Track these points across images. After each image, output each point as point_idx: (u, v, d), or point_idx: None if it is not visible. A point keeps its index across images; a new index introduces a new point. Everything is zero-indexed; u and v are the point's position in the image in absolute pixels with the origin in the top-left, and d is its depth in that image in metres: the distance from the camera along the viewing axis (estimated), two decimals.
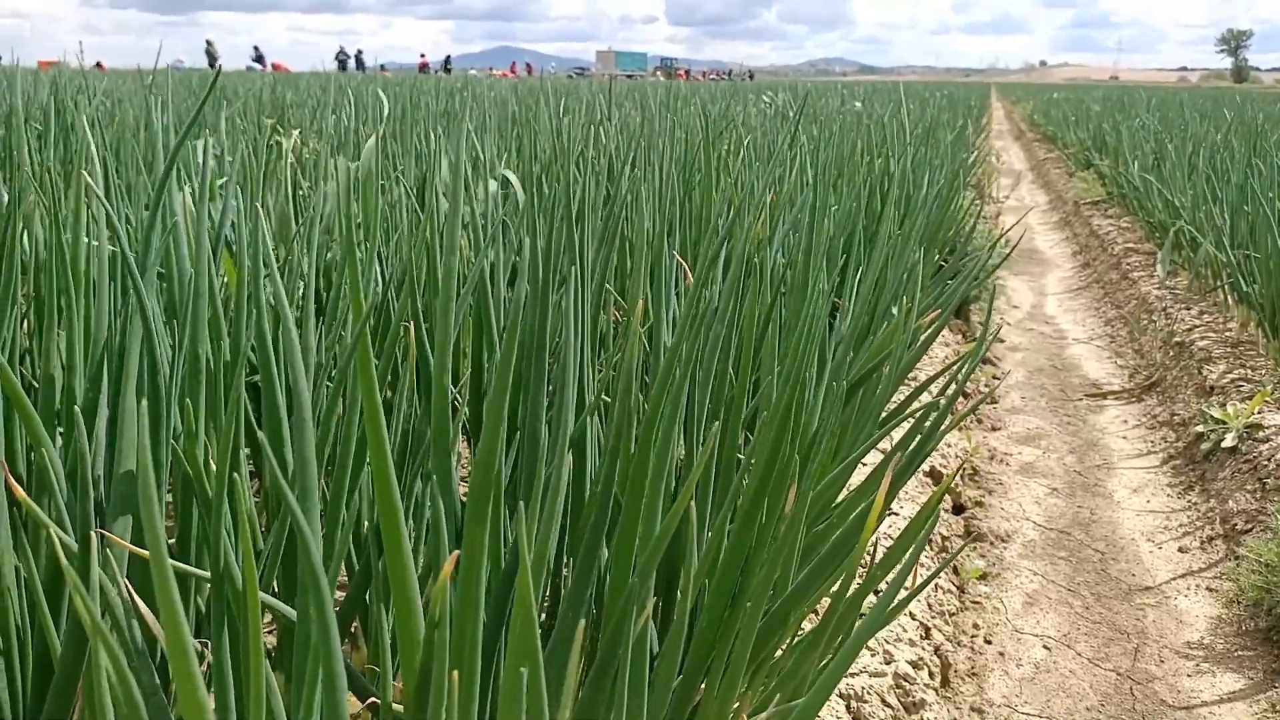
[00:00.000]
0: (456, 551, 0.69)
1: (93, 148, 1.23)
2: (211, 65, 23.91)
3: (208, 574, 0.79)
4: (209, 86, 1.02)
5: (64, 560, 0.63)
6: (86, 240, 1.06)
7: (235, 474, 0.80)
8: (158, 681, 0.74)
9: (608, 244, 1.53)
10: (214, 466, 0.89)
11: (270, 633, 1.43)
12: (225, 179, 1.91)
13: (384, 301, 1.51)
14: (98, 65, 17.67)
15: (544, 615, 1.28)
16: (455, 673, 0.65)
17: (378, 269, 1.71)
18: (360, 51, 41.78)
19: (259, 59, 37.04)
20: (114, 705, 0.67)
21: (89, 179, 0.94)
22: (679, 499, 0.80)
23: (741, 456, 1.31)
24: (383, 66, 44.57)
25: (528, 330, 1.11)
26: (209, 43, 32.12)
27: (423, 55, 45.70)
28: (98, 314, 0.99)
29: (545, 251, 1.16)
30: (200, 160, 1.88)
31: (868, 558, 1.80)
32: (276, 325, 1.36)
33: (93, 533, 0.75)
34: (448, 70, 36.26)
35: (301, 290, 1.51)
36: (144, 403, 0.49)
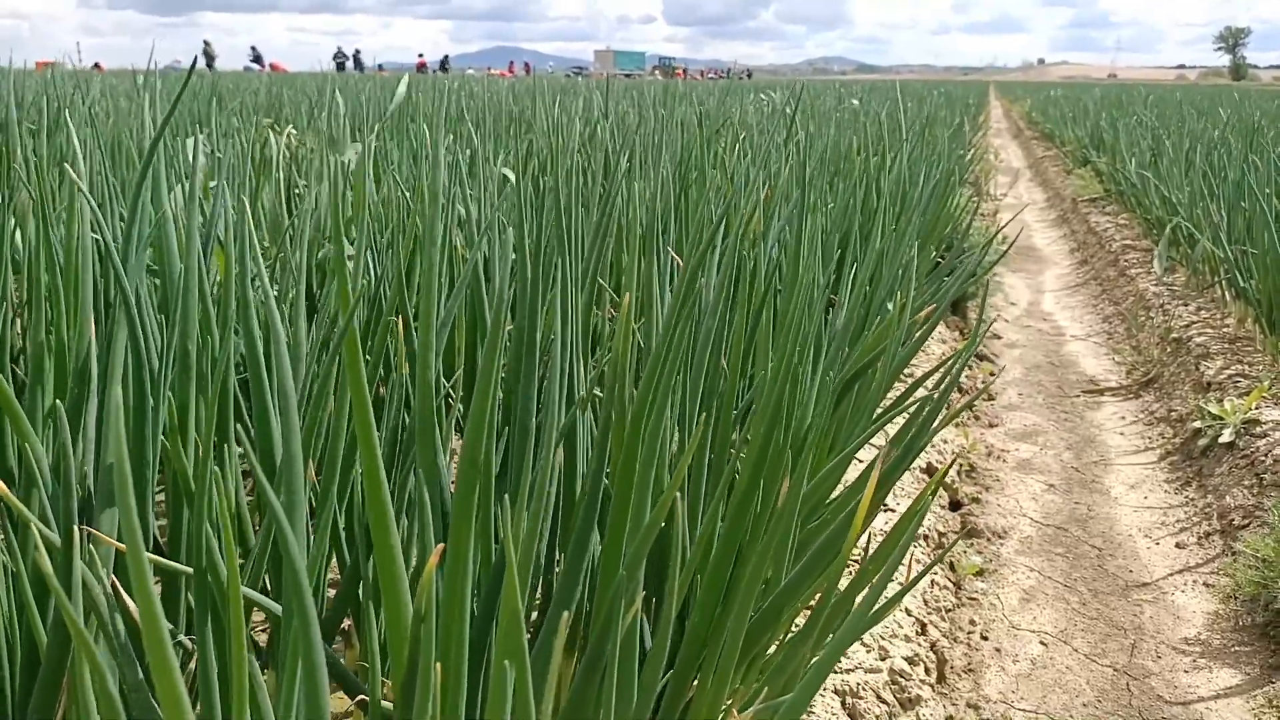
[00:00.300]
0: (441, 545, 0.68)
1: (76, 144, 1.23)
2: (209, 66, 23.91)
3: (190, 570, 0.79)
4: (184, 81, 1.01)
5: (44, 557, 0.63)
6: (75, 235, 1.06)
7: (221, 469, 0.80)
8: (142, 677, 0.73)
9: (601, 239, 1.52)
10: (198, 462, 0.89)
11: (264, 630, 1.43)
12: (217, 176, 1.91)
13: (375, 297, 1.50)
14: (96, 66, 17.67)
15: (535, 612, 1.28)
16: (440, 665, 0.64)
17: (370, 264, 1.70)
18: (358, 51, 41.73)
19: (257, 59, 37.00)
20: (96, 703, 0.66)
21: (73, 173, 0.94)
22: (668, 487, 0.79)
23: (735, 452, 1.30)
24: (380, 66, 44.54)
25: (518, 325, 1.11)
26: (206, 43, 32.08)
27: (420, 55, 45.70)
28: (83, 308, 0.99)
29: (536, 246, 1.15)
30: (192, 158, 1.87)
31: (863, 554, 1.79)
32: (266, 323, 1.35)
33: (75, 529, 0.74)
34: (445, 70, 36.24)
35: (294, 287, 1.51)
36: (118, 392, 0.49)
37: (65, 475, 0.81)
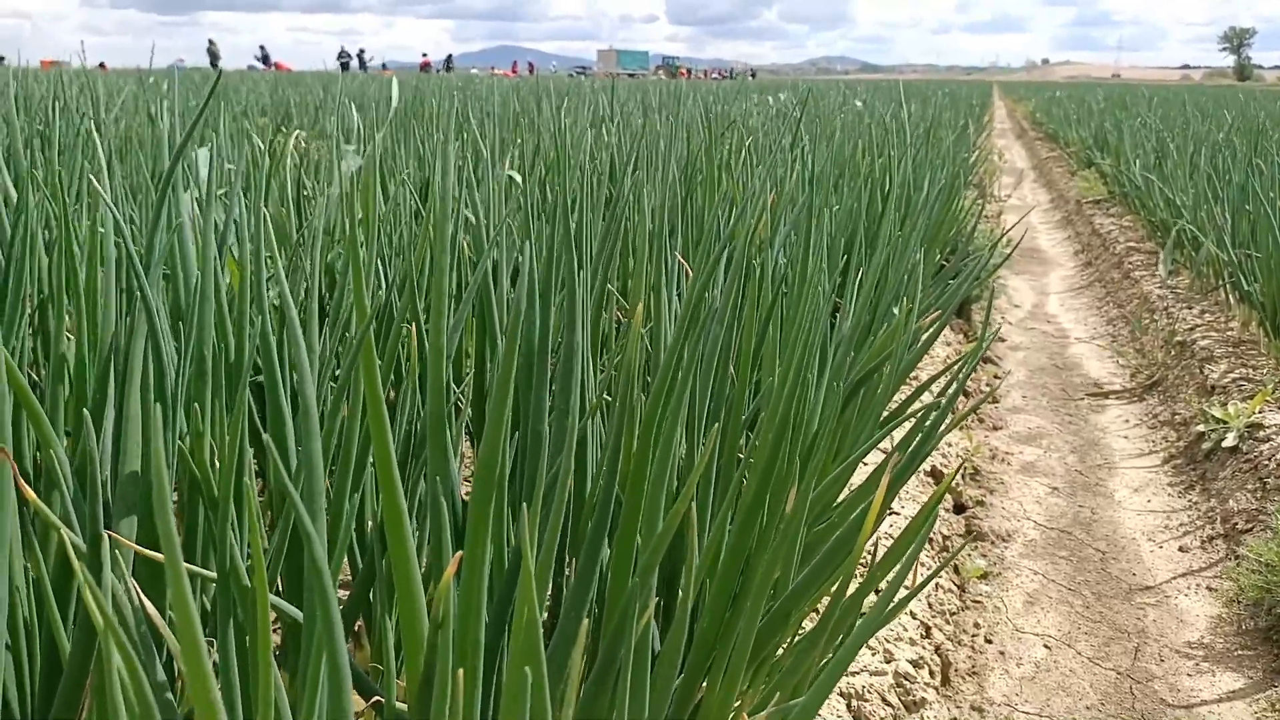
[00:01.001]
0: (460, 553, 0.69)
1: (100, 151, 1.24)
2: (213, 65, 24.01)
3: (214, 574, 0.80)
4: (209, 90, 1.03)
5: (74, 558, 0.64)
6: (92, 241, 1.07)
7: (239, 474, 0.81)
8: (164, 679, 0.75)
9: (609, 245, 1.53)
10: (220, 467, 0.90)
11: (274, 632, 1.44)
12: (229, 182, 1.92)
13: (386, 303, 1.52)
14: (100, 66, 17.70)
15: (546, 615, 1.29)
16: (460, 671, 0.66)
17: (380, 270, 1.72)
18: (362, 51, 41.79)
19: (264, 59, 37.09)
20: (125, 703, 0.68)
21: (95, 182, 0.95)
22: (680, 498, 0.80)
23: (743, 456, 1.32)
24: (384, 66, 44.63)
25: (529, 331, 1.12)
26: (211, 42, 32.17)
27: (425, 55, 45.76)
28: (104, 314, 1.00)
29: (546, 252, 1.17)
30: (204, 164, 1.89)
31: (869, 557, 1.81)
32: (281, 326, 1.37)
33: (103, 533, 0.76)
34: (449, 69, 36.29)
35: (304, 292, 1.52)
36: (155, 404, 0.50)
37: (91, 479, 0.82)
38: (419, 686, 0.78)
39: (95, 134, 1.41)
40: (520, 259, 1.12)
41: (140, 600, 0.83)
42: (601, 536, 0.93)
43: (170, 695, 0.77)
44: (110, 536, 0.89)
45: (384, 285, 1.65)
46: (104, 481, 0.96)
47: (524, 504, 0.82)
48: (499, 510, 0.80)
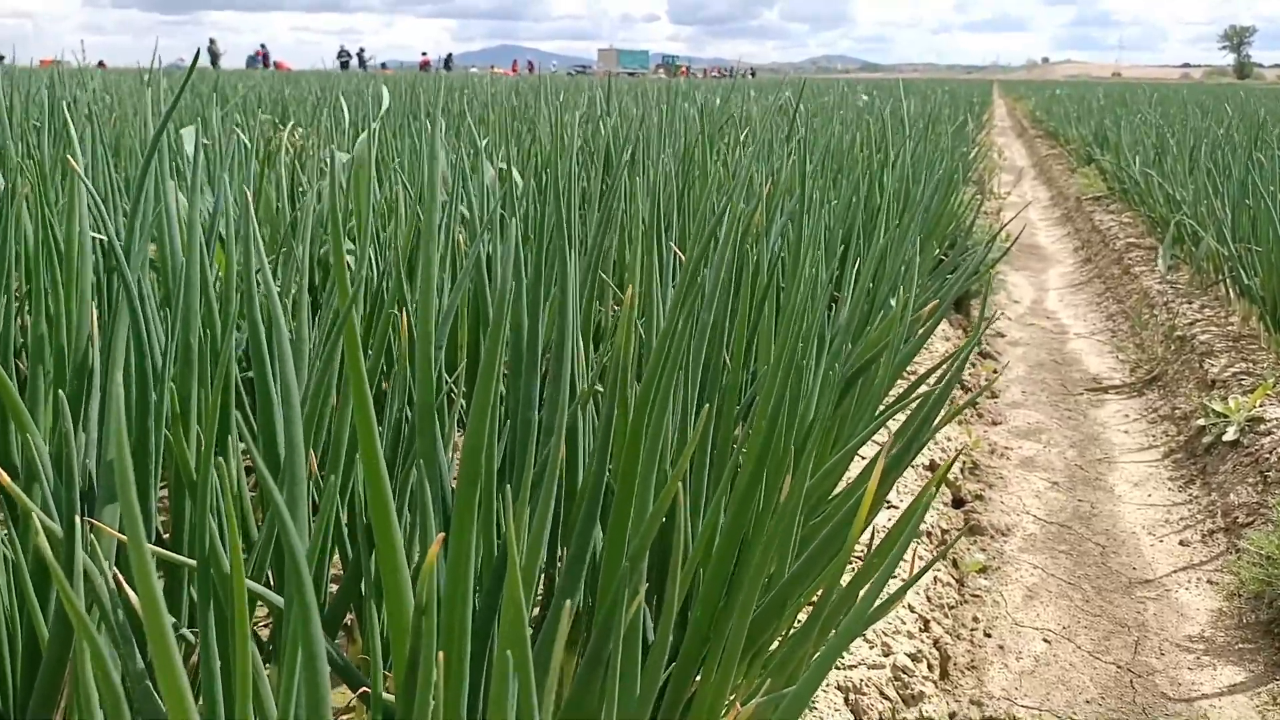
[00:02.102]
0: (441, 534, 0.68)
1: (74, 137, 1.23)
2: (214, 64, 24.12)
3: (193, 561, 0.78)
4: (187, 74, 1.01)
5: (46, 548, 0.63)
6: (76, 226, 1.05)
7: (222, 458, 0.80)
8: (143, 668, 0.73)
9: (602, 234, 1.52)
10: (201, 450, 0.88)
11: (266, 626, 1.43)
12: (217, 169, 1.91)
13: (378, 292, 1.50)
14: (100, 64, 17.68)
15: (538, 609, 1.27)
16: (443, 654, 0.64)
17: (373, 259, 1.70)
18: (362, 50, 41.84)
19: (260, 57, 37.21)
20: (98, 692, 0.66)
21: (73, 164, 0.94)
22: (670, 479, 0.79)
23: (736, 446, 1.30)
24: (384, 65, 44.69)
25: (518, 320, 1.11)
26: (212, 41, 32.30)
27: (424, 54, 45.78)
28: (82, 300, 0.99)
29: (537, 241, 1.15)
30: (191, 151, 1.87)
31: (865, 549, 1.79)
32: (269, 314, 1.35)
33: (78, 520, 0.74)
34: (448, 68, 36.32)
35: (296, 282, 1.51)
36: (119, 380, 0.48)
37: (67, 466, 0.81)
38: (404, 674, 0.77)
39: (68, 112, 1.39)
40: (505, 239, 1.10)
41: (121, 588, 0.81)
42: (592, 523, 0.92)
43: (149, 684, 0.75)
44: (93, 524, 0.88)
45: (376, 274, 1.63)
46: (87, 470, 0.95)
47: (511, 497, 0.81)
48: (487, 494, 0.79)
